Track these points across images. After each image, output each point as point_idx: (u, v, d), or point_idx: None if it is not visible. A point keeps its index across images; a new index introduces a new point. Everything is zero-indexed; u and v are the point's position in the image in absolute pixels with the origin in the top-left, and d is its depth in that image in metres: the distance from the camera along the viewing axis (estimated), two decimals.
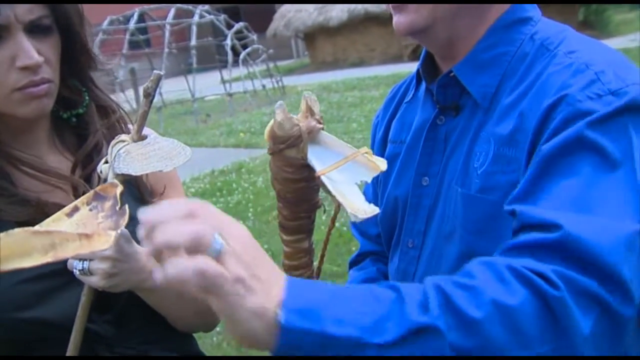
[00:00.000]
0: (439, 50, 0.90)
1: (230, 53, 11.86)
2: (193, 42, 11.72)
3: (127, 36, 11.93)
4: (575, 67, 0.75)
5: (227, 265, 0.53)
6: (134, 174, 0.77)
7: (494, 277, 0.60)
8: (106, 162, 0.82)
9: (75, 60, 0.96)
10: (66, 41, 0.93)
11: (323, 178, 0.68)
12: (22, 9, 0.84)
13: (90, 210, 0.70)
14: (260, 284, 0.55)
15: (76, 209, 0.70)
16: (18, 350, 0.88)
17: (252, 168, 6.72)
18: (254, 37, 13.25)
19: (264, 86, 12.41)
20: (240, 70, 12.33)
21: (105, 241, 0.63)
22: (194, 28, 11.97)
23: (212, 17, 12.62)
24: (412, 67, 1.02)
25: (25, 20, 0.84)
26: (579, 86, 0.72)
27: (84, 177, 0.96)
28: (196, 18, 12.27)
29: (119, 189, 0.72)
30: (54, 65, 0.90)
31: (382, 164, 0.72)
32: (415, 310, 0.57)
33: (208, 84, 13.25)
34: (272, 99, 12.08)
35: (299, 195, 0.72)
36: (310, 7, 17.44)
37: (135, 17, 12.19)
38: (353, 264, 1.16)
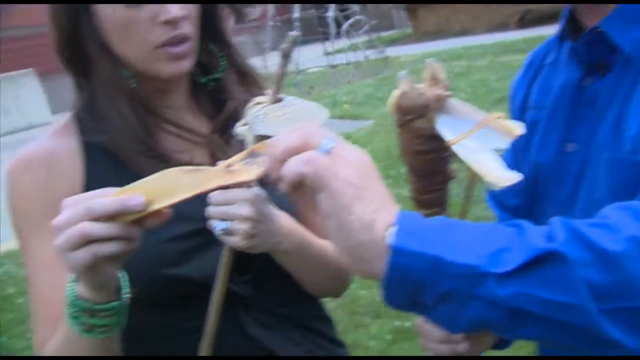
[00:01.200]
0: (579, 7, 0.84)
1: (332, 25, 11.86)
2: (296, 14, 11.81)
3: None
4: None
5: (338, 165, 0.52)
6: (273, 135, 0.76)
7: (631, 215, 0.54)
8: (243, 124, 0.83)
9: (215, 19, 0.97)
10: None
11: (455, 147, 0.68)
12: None
13: (245, 164, 0.71)
14: (372, 196, 0.52)
15: (231, 166, 0.71)
16: (162, 309, 0.92)
17: (358, 139, 6.73)
18: (357, 8, 13.15)
19: (366, 57, 12.31)
20: (343, 42, 12.30)
21: (247, 175, 0.64)
22: None
23: None
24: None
25: None
26: None
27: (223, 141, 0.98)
28: None
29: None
30: (193, 22, 0.92)
31: (517, 128, 0.71)
32: (539, 239, 0.51)
33: (311, 57, 13.31)
34: (375, 69, 11.98)
35: (430, 167, 0.71)
36: None
37: None
38: None
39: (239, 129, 0.84)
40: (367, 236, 0.51)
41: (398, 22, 22.40)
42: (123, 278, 0.76)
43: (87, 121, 0.94)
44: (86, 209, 0.65)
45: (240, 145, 0.82)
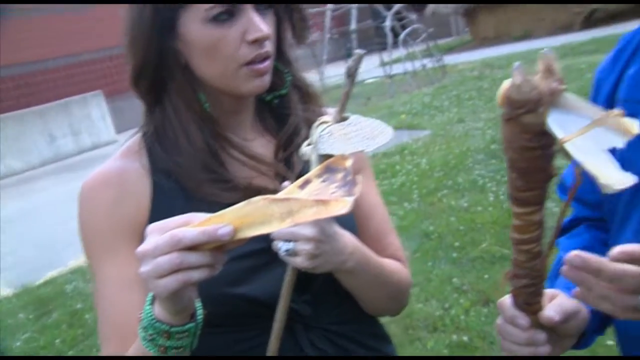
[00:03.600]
0: None
1: (389, 35, 11.80)
2: (353, 26, 11.83)
3: None
4: None
5: None
6: (337, 154, 0.75)
7: None
8: (309, 143, 0.82)
9: (283, 41, 0.98)
10: (280, 20, 0.95)
11: (567, 146, 0.60)
12: None
13: (323, 182, 0.70)
14: None
15: (307, 182, 0.70)
16: (224, 327, 0.92)
17: (415, 150, 6.64)
18: (414, 17, 13.06)
19: (424, 66, 12.18)
20: (400, 52, 12.23)
21: (342, 206, 0.63)
22: (354, 12, 12.08)
23: None
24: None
25: None
26: None
27: (285, 158, 0.98)
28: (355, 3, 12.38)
29: (350, 161, 0.71)
30: (273, 42, 0.93)
31: (635, 127, 0.62)
32: None
33: (367, 68, 13.31)
34: (433, 78, 11.83)
35: (534, 164, 0.65)
36: None
37: None
38: (564, 231, 1.06)
39: (304, 148, 0.83)
40: None
41: (456, 29, 22.15)
42: (197, 300, 0.75)
43: (156, 145, 0.94)
44: (176, 240, 0.65)
45: (305, 165, 0.82)
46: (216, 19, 0.86)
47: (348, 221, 0.96)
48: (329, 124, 0.82)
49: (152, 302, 0.73)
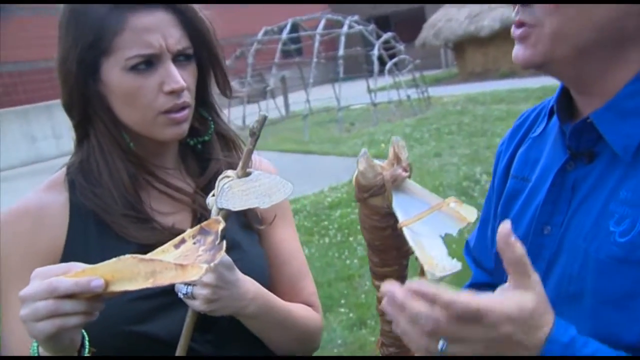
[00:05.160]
0: (570, 85, 0.83)
1: (376, 63, 11.97)
2: (341, 52, 11.98)
3: (280, 46, 12.49)
4: None
5: None
6: (232, 209, 0.82)
7: None
8: (213, 194, 0.88)
9: (205, 89, 1.04)
10: (202, 70, 1.01)
11: (404, 230, 0.67)
12: (172, 40, 0.93)
13: (194, 243, 0.77)
14: None
15: (183, 241, 0.78)
16: None
17: None
18: (402, 47, 13.25)
19: (408, 96, 12.34)
20: (386, 80, 12.38)
21: (196, 273, 0.70)
22: (343, 38, 12.23)
23: (361, 27, 12.82)
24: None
25: (174, 50, 0.94)
26: None
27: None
28: (345, 29, 12.53)
29: (221, 225, 0.78)
30: (192, 91, 0.99)
31: (470, 215, 0.70)
32: None
33: (354, 93, 13.45)
34: (416, 109, 11.98)
35: (386, 243, 0.72)
36: (461, 16, 17.07)
37: (288, 27, 12.72)
38: None
39: (209, 199, 0.89)
40: None
41: (445, 62, 22.45)
42: (84, 337, 0.80)
43: (79, 180, 0.99)
44: (52, 288, 0.71)
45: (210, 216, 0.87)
46: (135, 68, 0.92)
47: (258, 267, 1.02)
48: (230, 178, 0.88)
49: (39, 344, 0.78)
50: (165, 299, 0.94)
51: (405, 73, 12.99)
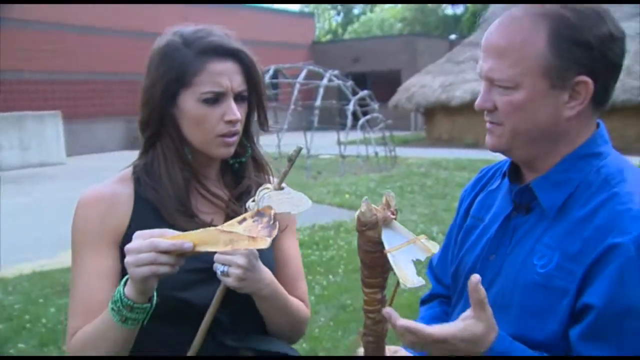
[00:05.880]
0: (521, 163, 1.16)
1: (350, 117, 12.45)
2: (318, 102, 12.43)
3: None
4: (633, 213, 0.99)
5: None
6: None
7: None
8: (253, 200, 1.17)
9: (250, 124, 1.34)
10: (250, 107, 1.31)
11: (388, 255, 0.97)
12: (236, 84, 1.22)
13: (254, 221, 1.07)
14: None
15: (244, 219, 1.07)
16: (164, 320, 1.18)
17: (352, 228, 7.00)
18: (376, 106, 13.79)
19: (376, 153, 12.82)
20: (357, 135, 12.85)
21: (264, 243, 0.99)
22: (322, 90, 12.71)
23: (339, 82, 13.34)
24: None
25: (236, 91, 1.23)
26: (633, 235, 0.97)
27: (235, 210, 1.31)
28: (325, 81, 13.03)
29: (274, 210, 1.08)
30: (242, 124, 1.28)
31: (434, 248, 1.00)
32: None
33: (324, 143, 13.85)
34: (382, 166, 12.44)
35: (374, 262, 1.00)
36: (435, 84, 17.82)
37: (271, 72, 13.17)
38: (424, 302, 1.43)
39: (249, 203, 1.17)
40: None
41: (414, 125, 23.25)
42: (154, 291, 1.09)
43: (144, 177, 1.26)
44: (155, 244, 1.00)
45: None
46: (206, 101, 1.21)
47: (269, 262, 1.29)
48: (269, 189, 1.17)
49: (125, 285, 1.06)
50: (203, 275, 1.19)
51: (376, 130, 13.49)
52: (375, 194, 9.31)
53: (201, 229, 1.02)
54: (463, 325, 0.97)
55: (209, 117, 1.22)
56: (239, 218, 1.08)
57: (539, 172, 1.12)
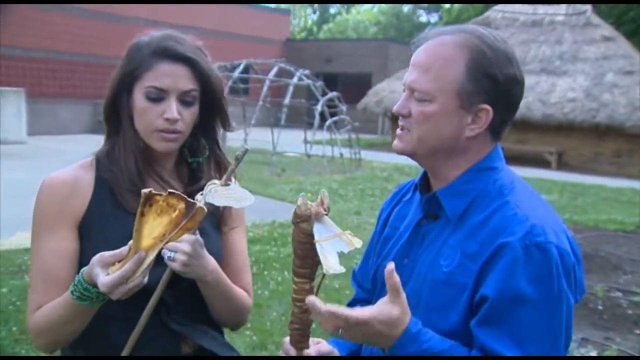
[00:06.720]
0: (428, 171, 1.30)
1: (317, 117, 12.56)
2: (287, 100, 12.52)
3: (230, 83, 12.89)
4: (519, 218, 1.14)
5: None
6: (216, 204, 1.25)
7: None
8: (201, 194, 1.28)
9: (209, 125, 1.45)
10: (206, 111, 1.41)
11: (317, 244, 1.09)
12: (181, 85, 1.33)
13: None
14: None
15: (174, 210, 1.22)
16: (119, 301, 1.25)
17: None
18: (344, 108, 13.93)
19: (341, 154, 12.98)
20: (324, 135, 12.98)
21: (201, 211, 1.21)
22: (291, 88, 12.80)
23: (309, 82, 13.45)
24: None
25: (180, 92, 1.33)
26: (519, 235, 1.12)
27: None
28: (295, 80, 13.11)
29: (200, 204, 1.22)
30: (187, 124, 1.37)
31: (357, 243, 1.13)
32: None
33: (290, 141, 13.94)
34: (346, 168, 12.60)
35: (305, 252, 1.12)
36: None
37: (241, 67, 13.19)
38: (349, 305, 1.53)
39: (198, 196, 1.28)
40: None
41: (381, 129, 23.51)
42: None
43: (104, 160, 1.38)
44: (123, 275, 1.17)
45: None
46: (149, 96, 1.33)
47: (217, 253, 1.40)
48: (216, 184, 1.28)
49: (83, 274, 1.21)
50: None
51: (342, 132, 13.64)
52: (337, 195, 9.46)
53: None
54: (381, 308, 1.08)
55: (150, 112, 1.33)
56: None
57: (445, 182, 1.26)
